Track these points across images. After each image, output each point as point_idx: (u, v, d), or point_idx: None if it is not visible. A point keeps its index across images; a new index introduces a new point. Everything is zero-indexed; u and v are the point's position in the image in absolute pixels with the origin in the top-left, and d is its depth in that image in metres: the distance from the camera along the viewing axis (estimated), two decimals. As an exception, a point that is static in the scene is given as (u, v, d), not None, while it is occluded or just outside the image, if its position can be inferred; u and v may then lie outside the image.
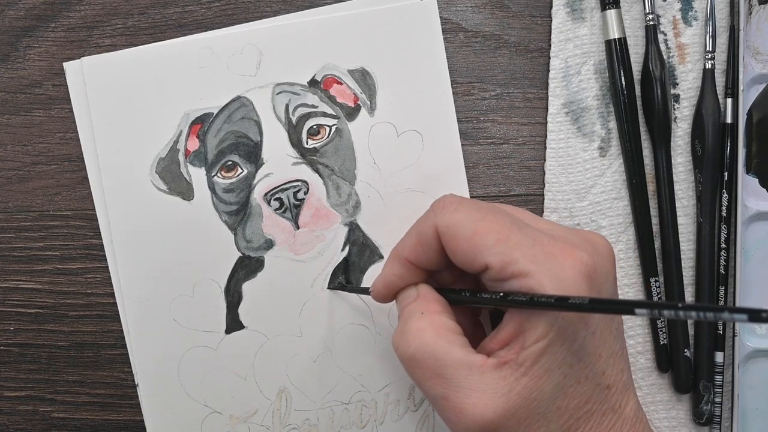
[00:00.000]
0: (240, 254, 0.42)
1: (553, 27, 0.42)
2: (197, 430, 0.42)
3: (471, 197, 0.42)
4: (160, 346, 0.42)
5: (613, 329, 0.32)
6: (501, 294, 0.30)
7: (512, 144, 0.43)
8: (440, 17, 0.42)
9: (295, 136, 0.42)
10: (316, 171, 0.42)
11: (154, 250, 0.42)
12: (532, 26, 0.43)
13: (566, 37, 0.42)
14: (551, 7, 0.42)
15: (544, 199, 0.42)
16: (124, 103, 0.41)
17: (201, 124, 0.42)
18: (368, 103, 0.42)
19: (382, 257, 0.42)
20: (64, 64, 0.42)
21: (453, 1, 0.43)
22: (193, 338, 0.42)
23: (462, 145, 0.42)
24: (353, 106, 0.42)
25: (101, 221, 0.42)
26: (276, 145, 0.41)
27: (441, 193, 0.42)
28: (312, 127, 0.42)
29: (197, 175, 0.42)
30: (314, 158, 0.42)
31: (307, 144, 0.42)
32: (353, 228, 0.42)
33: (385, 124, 0.42)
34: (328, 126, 0.42)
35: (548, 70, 0.42)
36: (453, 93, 0.42)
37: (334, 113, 0.42)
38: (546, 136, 0.42)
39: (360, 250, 0.42)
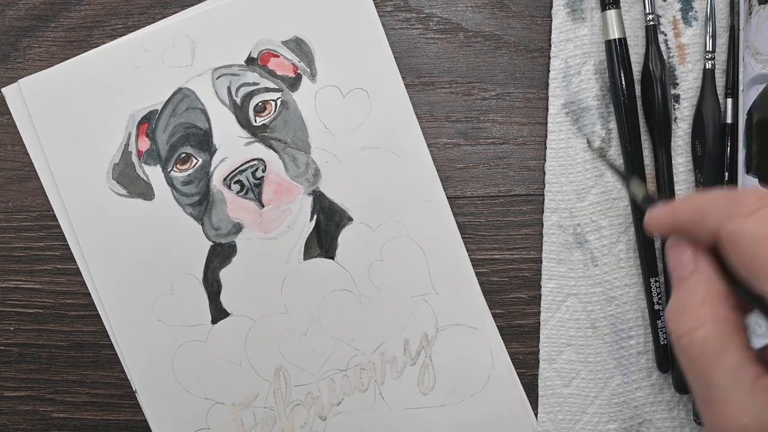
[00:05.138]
0: (211, 243, 0.42)
1: (553, 27, 0.42)
2: (203, 424, 0.42)
3: (471, 197, 0.42)
4: (150, 349, 0.42)
5: None
6: None
7: (512, 144, 0.43)
8: (440, 17, 0.42)
9: (243, 116, 0.42)
10: (270, 147, 0.42)
11: (126, 255, 0.42)
12: (532, 26, 0.43)
13: (566, 38, 0.42)
14: (551, 7, 0.42)
15: (544, 199, 0.42)
16: (69, 116, 0.41)
17: (148, 122, 0.42)
18: (308, 70, 0.42)
19: (351, 219, 0.42)
20: (2, 89, 0.42)
21: (453, 1, 0.43)
22: (181, 334, 0.42)
23: (462, 145, 0.42)
24: (294, 76, 0.42)
25: (68, 236, 0.42)
26: (225, 129, 0.41)
27: (398, 147, 0.42)
28: (257, 104, 0.42)
29: (154, 174, 0.42)
30: (265, 135, 0.42)
31: (255, 122, 0.42)
32: (317, 196, 0.42)
33: (329, 88, 0.42)
34: (273, 100, 0.42)
35: (548, 70, 0.42)
36: (453, 93, 0.42)
37: (276, 87, 0.42)
38: (546, 136, 0.42)
39: (329, 217, 0.42)
